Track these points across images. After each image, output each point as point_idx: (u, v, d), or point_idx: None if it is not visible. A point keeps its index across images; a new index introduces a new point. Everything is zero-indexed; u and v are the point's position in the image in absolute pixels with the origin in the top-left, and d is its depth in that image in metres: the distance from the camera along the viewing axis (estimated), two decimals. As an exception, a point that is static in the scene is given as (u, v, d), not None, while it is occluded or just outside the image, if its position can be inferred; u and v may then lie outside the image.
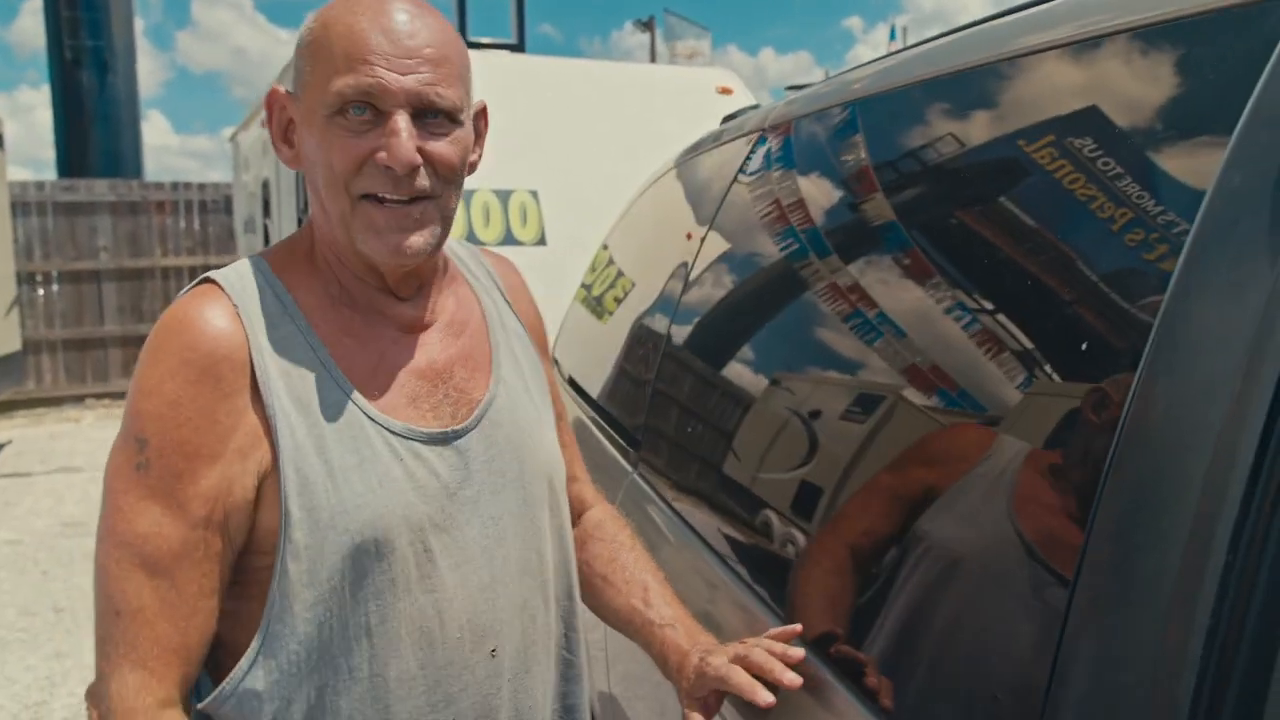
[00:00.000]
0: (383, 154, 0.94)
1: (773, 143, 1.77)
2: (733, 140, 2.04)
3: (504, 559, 1.06)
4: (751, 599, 1.29)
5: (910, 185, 1.27)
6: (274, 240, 7.41)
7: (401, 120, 0.94)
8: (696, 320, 1.78)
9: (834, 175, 1.51)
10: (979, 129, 1.15)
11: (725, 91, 6.60)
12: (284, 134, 1.03)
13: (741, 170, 1.83)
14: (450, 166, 0.99)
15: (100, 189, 11.70)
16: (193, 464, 0.93)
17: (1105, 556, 0.73)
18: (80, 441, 9.64)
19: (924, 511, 0.99)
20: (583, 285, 3.08)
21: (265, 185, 7.65)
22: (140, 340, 11.76)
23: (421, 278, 1.07)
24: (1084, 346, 0.84)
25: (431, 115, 0.97)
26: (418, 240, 0.98)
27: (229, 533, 0.96)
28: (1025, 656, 0.80)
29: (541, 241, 4.96)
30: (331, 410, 0.98)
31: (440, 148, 0.97)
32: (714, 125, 6.09)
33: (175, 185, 12.02)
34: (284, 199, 6.71)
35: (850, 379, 1.23)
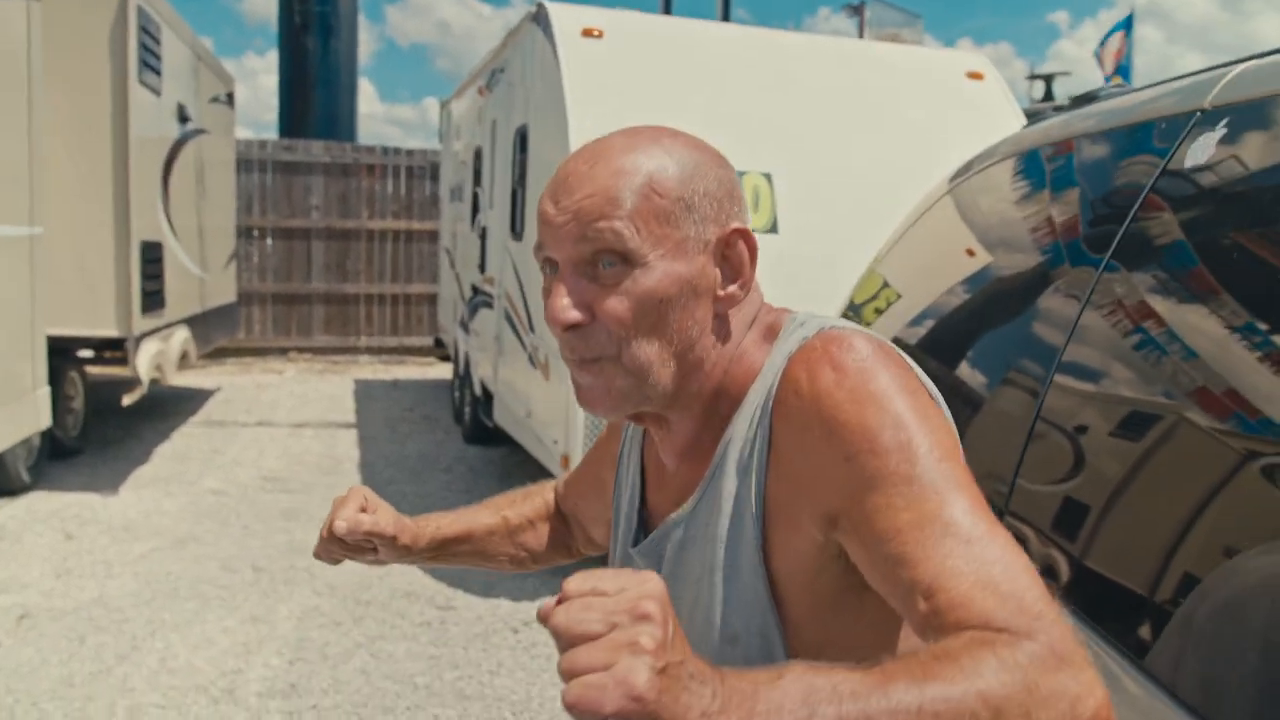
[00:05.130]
0: None
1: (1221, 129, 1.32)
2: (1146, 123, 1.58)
3: None
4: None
5: None
6: (483, 209, 7.32)
7: (562, 281, 0.88)
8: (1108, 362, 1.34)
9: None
10: None
11: (975, 77, 5.99)
12: None
13: (1167, 166, 1.38)
14: (618, 322, 0.87)
15: (316, 150, 12.05)
16: None
17: None
18: (283, 395, 9.93)
19: None
20: (850, 311, 2.43)
21: (478, 154, 7.55)
22: (343, 299, 12.10)
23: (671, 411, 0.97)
24: None
25: (607, 264, 0.86)
26: (599, 407, 0.91)
27: None
28: None
29: (773, 229, 4.55)
30: (629, 493, 1.09)
31: (607, 304, 0.87)
32: (963, 112, 5.52)
33: (385, 150, 12.23)
34: (498, 168, 6.55)
35: None
